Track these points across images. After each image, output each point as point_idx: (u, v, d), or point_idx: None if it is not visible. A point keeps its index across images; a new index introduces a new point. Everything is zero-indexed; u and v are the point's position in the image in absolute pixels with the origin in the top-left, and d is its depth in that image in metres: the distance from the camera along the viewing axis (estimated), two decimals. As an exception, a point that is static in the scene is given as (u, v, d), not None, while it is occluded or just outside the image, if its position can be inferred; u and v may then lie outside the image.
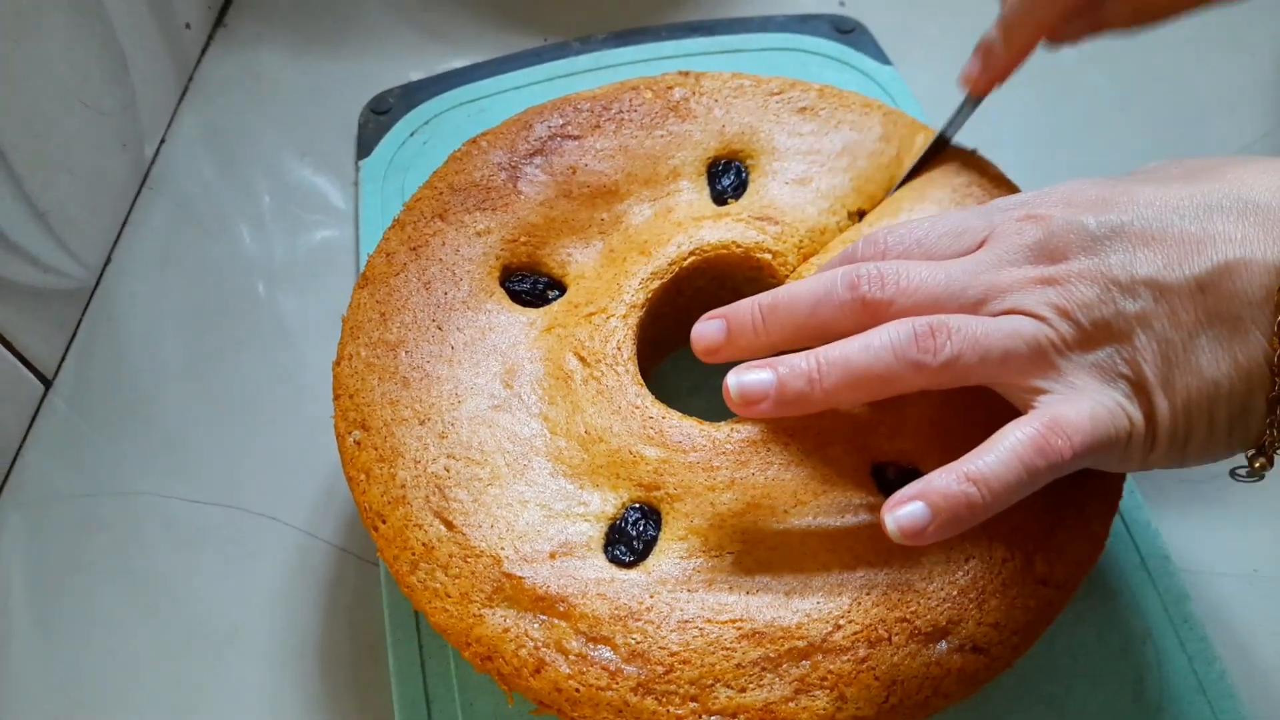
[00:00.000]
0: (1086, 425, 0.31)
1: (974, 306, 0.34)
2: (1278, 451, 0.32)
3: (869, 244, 0.37)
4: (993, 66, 0.47)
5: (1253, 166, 0.33)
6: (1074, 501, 0.36)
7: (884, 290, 0.34)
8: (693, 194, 0.45)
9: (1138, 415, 0.32)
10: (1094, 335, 0.32)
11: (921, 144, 0.45)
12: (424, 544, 0.36)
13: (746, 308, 0.36)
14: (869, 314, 0.34)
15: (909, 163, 0.45)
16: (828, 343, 0.34)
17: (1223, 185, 0.32)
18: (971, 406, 0.38)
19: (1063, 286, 0.32)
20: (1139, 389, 0.32)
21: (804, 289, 0.35)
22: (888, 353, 0.33)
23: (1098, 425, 0.31)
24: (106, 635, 0.44)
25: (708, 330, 0.36)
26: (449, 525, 0.36)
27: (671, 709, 0.33)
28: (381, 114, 0.60)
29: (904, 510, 0.31)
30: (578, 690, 0.33)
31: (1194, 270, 0.31)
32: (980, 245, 0.35)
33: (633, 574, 0.35)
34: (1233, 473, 0.34)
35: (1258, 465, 0.32)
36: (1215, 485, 0.45)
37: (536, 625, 0.34)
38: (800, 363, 0.33)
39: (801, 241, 0.42)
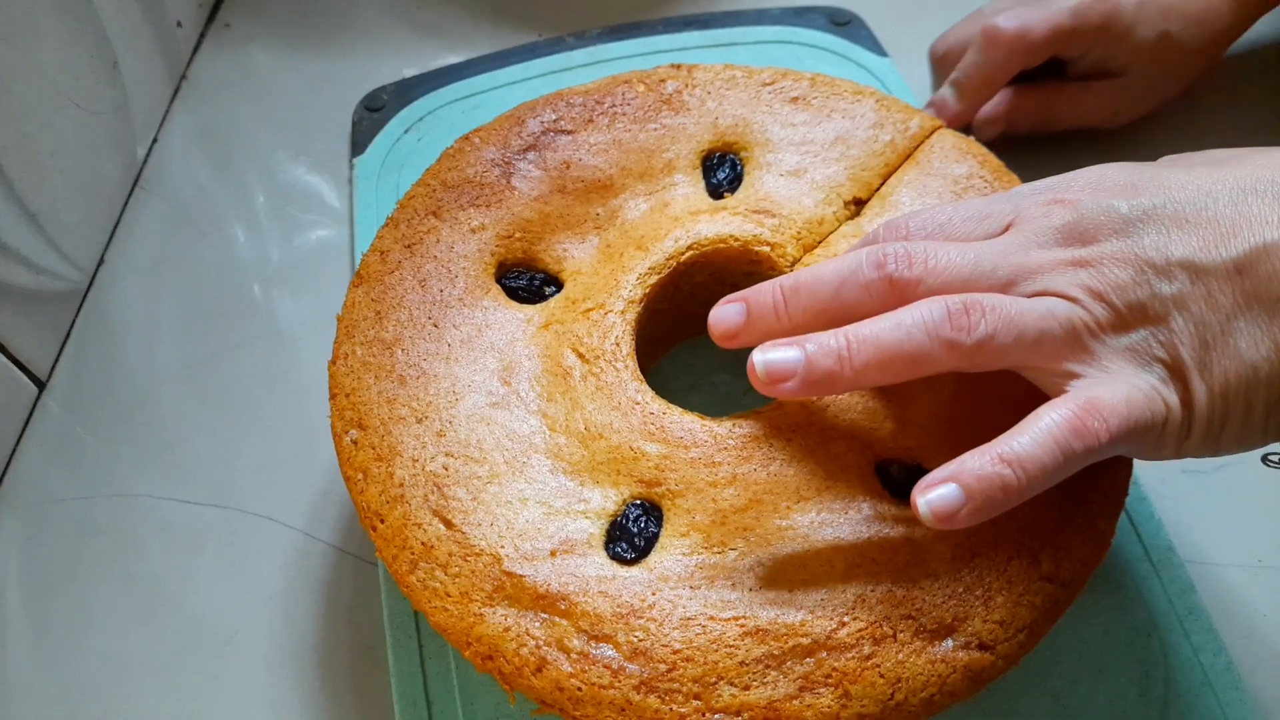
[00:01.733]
0: (1123, 408, 0.30)
1: (1004, 287, 0.33)
2: None
3: (891, 229, 0.36)
4: (945, 119, 0.49)
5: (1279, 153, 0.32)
6: (1080, 498, 0.36)
7: (911, 269, 0.33)
8: (688, 187, 0.44)
9: (1174, 400, 0.31)
10: (1128, 318, 0.31)
11: (916, 128, 0.45)
12: (423, 543, 0.35)
13: (768, 289, 0.35)
14: (896, 294, 0.33)
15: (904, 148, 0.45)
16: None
17: (1254, 170, 0.32)
18: (976, 403, 0.37)
19: (1095, 268, 0.32)
20: (1175, 373, 0.31)
21: (828, 269, 0.34)
22: (920, 331, 0.32)
23: (1134, 409, 0.30)
24: (103, 638, 0.43)
25: (727, 314, 0.36)
26: (448, 524, 0.36)
27: (675, 707, 0.32)
28: (375, 111, 0.59)
29: (936, 493, 0.30)
30: (580, 689, 0.33)
31: (1231, 252, 0.30)
32: (1005, 230, 0.35)
33: (634, 571, 0.35)
34: (1265, 458, 0.33)
35: None
36: (1219, 476, 0.45)
37: (538, 624, 0.34)
38: (829, 340, 0.32)
39: (799, 233, 0.42)
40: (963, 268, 0.33)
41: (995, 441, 0.31)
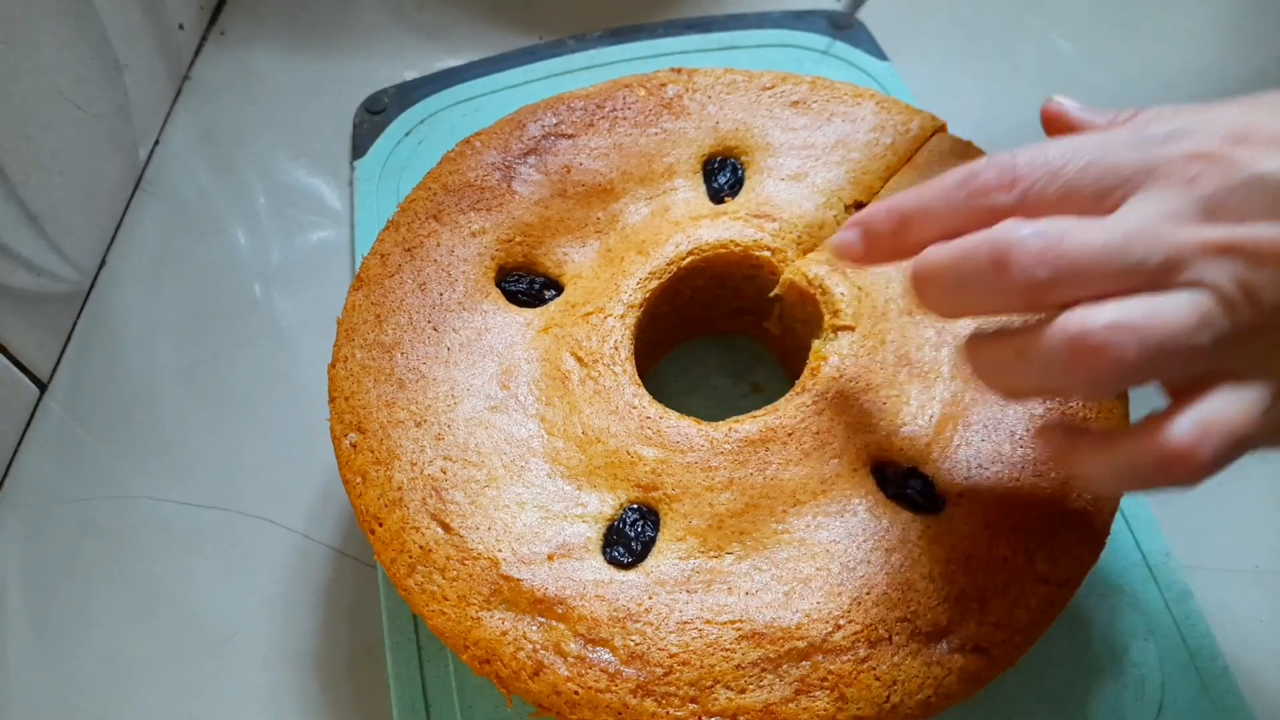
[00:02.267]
0: (1239, 430, 0.27)
1: (1154, 277, 0.27)
2: None
3: (995, 168, 0.30)
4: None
5: None
6: (1074, 500, 0.36)
7: (1043, 267, 0.28)
8: (689, 192, 0.44)
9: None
10: (1274, 321, 0.27)
11: (916, 130, 0.45)
12: (421, 547, 0.36)
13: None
14: (1027, 301, 0.28)
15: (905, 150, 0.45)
16: None
17: None
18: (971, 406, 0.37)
19: (1249, 261, 0.27)
20: None
21: (943, 256, 0.30)
22: (1049, 359, 0.27)
23: (1249, 429, 0.27)
24: (103, 639, 0.44)
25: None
26: (446, 528, 0.36)
27: (671, 711, 0.32)
28: (376, 114, 0.59)
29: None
30: (577, 692, 0.33)
31: None
32: (1135, 188, 0.29)
33: (631, 575, 0.35)
34: None
35: None
36: (1216, 481, 0.44)
37: (535, 627, 0.34)
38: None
39: (800, 237, 0.42)
40: (1105, 261, 0.27)
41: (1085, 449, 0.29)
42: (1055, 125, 0.36)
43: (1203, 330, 0.27)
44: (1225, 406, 0.27)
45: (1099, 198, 0.29)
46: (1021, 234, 0.28)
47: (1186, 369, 0.27)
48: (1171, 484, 0.27)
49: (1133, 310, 0.27)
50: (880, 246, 0.32)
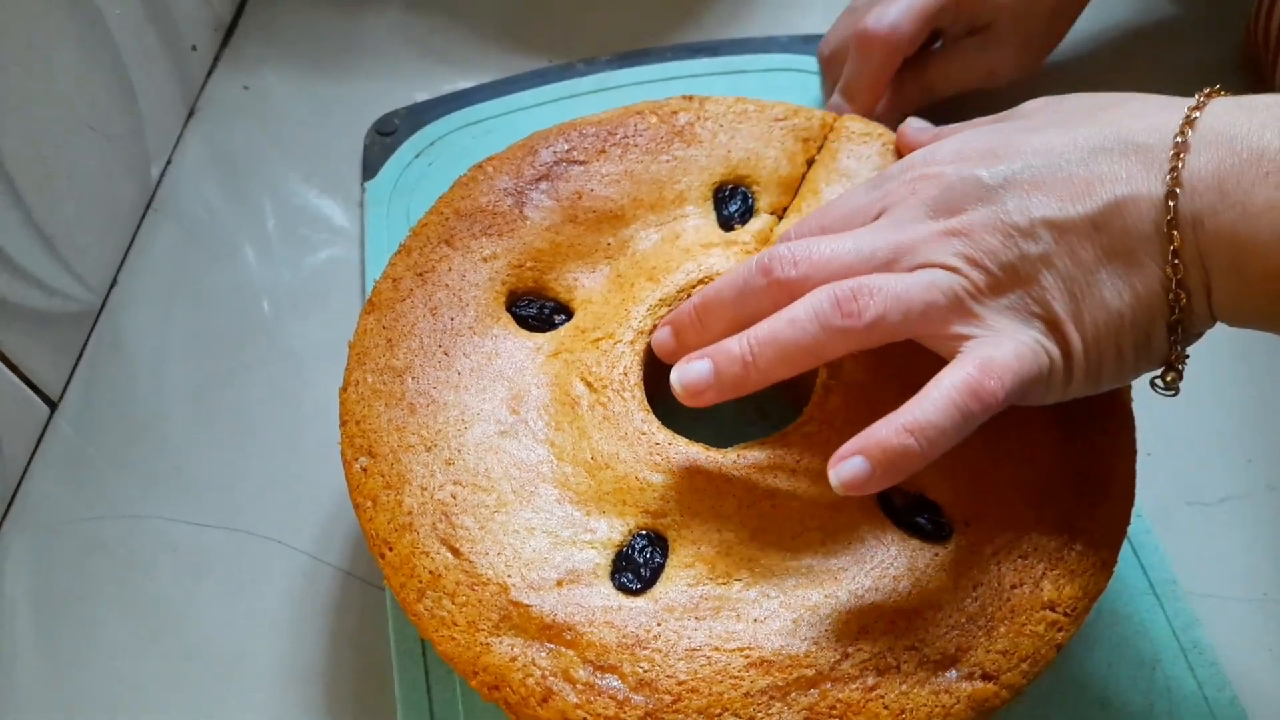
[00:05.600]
0: (1014, 364, 0.32)
1: (886, 266, 0.35)
2: (1183, 366, 0.34)
3: (781, 238, 0.40)
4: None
5: (1128, 107, 0.35)
6: (1081, 528, 0.36)
7: (796, 268, 0.35)
8: (699, 219, 0.45)
9: (1055, 350, 0.33)
10: (1003, 280, 0.34)
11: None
12: (431, 571, 0.36)
13: (685, 313, 0.38)
14: (788, 294, 0.35)
15: None
16: None
17: (1102, 128, 0.34)
18: (977, 433, 0.37)
19: (967, 237, 0.34)
20: (1053, 326, 0.33)
21: (725, 285, 0.37)
22: (813, 324, 0.34)
23: (1023, 363, 0.33)
24: (111, 660, 0.44)
25: (659, 337, 0.39)
26: (456, 553, 0.36)
27: (679, 738, 0.32)
28: (387, 135, 0.60)
29: (845, 466, 0.32)
30: (585, 719, 0.33)
31: (1087, 209, 0.33)
32: (878, 216, 0.37)
33: (640, 602, 0.35)
34: (1152, 383, 0.35)
35: (1169, 379, 0.34)
36: (1224, 508, 0.45)
37: (544, 654, 0.34)
38: (733, 347, 0.35)
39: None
40: (844, 256, 0.35)
41: (900, 410, 0.32)
42: (901, 144, 0.46)
43: (931, 291, 0.33)
44: (991, 351, 0.33)
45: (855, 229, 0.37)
46: (779, 248, 0.36)
47: (928, 325, 0.34)
48: (980, 407, 0.32)
49: (873, 278, 0.34)
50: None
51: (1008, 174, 0.34)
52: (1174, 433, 0.46)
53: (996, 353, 0.33)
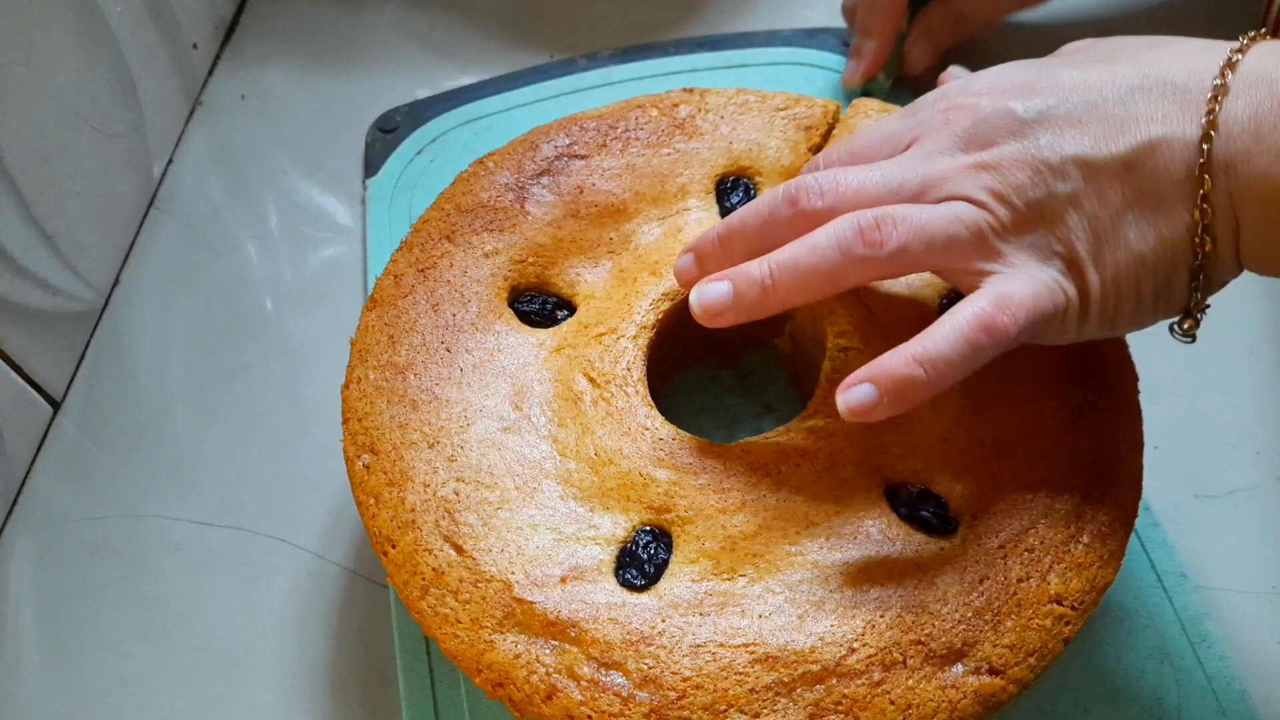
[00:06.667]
0: (1029, 301, 0.32)
1: (914, 198, 0.35)
2: (1202, 314, 0.34)
3: (808, 168, 0.39)
4: (866, 58, 0.54)
5: (1169, 49, 0.34)
6: (1089, 521, 0.36)
7: (823, 199, 0.35)
8: (701, 212, 0.44)
9: (1072, 290, 0.33)
10: (1029, 217, 0.33)
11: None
12: (434, 569, 0.36)
13: (709, 240, 0.38)
14: (812, 225, 0.35)
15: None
16: None
17: (1142, 67, 0.33)
18: (983, 426, 0.37)
19: (997, 171, 0.33)
20: (1072, 266, 0.33)
21: (750, 214, 0.37)
22: (834, 250, 0.34)
23: (1039, 301, 0.32)
24: (115, 659, 0.44)
25: (682, 263, 0.39)
26: (459, 550, 0.36)
27: (685, 735, 0.32)
28: (389, 132, 0.60)
29: (854, 392, 0.33)
30: (590, 717, 0.33)
31: (1119, 149, 0.32)
32: (910, 145, 0.37)
33: (644, 598, 0.35)
34: (1171, 329, 0.35)
35: (1186, 326, 0.34)
36: (1232, 501, 0.44)
37: (548, 651, 0.34)
38: (754, 270, 0.35)
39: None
40: (872, 188, 0.35)
41: (912, 340, 0.33)
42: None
43: (955, 225, 0.33)
44: (1008, 286, 0.33)
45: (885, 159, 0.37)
46: (807, 179, 0.36)
47: (949, 259, 0.34)
48: (991, 342, 0.32)
49: (898, 208, 0.34)
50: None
51: (1043, 108, 0.34)
52: (1182, 425, 0.46)
53: (1013, 289, 0.32)
